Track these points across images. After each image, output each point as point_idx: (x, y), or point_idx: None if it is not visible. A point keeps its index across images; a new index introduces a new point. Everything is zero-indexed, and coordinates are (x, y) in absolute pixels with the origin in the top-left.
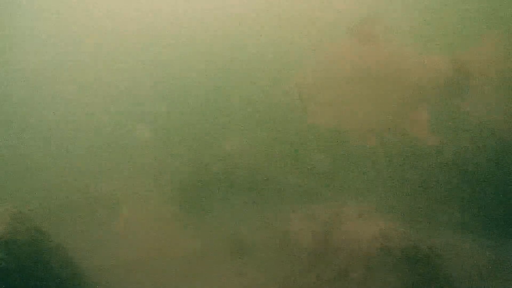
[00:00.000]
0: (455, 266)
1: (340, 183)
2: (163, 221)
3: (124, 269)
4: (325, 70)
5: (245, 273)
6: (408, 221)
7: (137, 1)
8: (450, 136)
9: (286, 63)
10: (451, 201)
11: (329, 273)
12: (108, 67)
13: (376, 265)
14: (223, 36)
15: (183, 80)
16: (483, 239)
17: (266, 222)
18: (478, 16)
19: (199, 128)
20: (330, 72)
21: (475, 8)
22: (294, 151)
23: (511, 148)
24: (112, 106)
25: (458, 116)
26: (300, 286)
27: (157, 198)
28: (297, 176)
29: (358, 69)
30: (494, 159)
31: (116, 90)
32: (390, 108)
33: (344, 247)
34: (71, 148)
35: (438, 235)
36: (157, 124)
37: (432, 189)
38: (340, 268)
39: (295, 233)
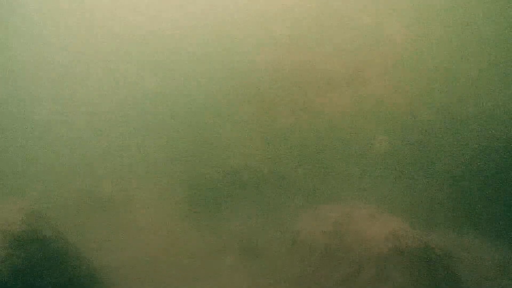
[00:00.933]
0: (466, 267)
1: (351, 183)
2: (174, 220)
3: (136, 268)
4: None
5: (255, 273)
6: (419, 222)
7: (138, 1)
8: (459, 138)
9: (287, 63)
10: (463, 202)
11: (339, 274)
12: (113, 69)
13: (387, 266)
14: (224, 36)
15: (187, 80)
16: (495, 240)
17: (277, 221)
18: None
19: (206, 127)
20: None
21: None
22: (304, 150)
23: None
24: (123, 107)
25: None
26: (310, 286)
27: (168, 198)
28: (308, 175)
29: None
30: (504, 159)
31: (124, 91)
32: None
33: (355, 247)
34: (85, 148)
35: (450, 236)
36: (165, 125)
37: (444, 190)
38: (351, 268)
39: (305, 233)
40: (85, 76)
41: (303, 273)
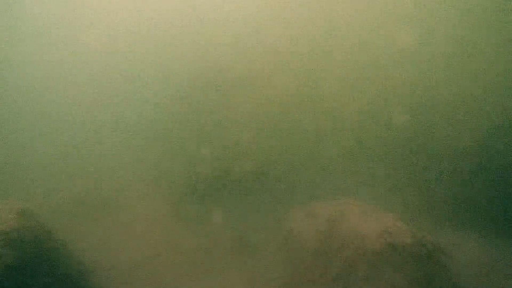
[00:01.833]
0: (459, 263)
1: (344, 181)
2: (167, 219)
3: (128, 267)
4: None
5: (249, 271)
6: (412, 218)
7: (138, 1)
8: (453, 135)
9: (287, 63)
10: (455, 199)
11: (333, 271)
12: (109, 68)
13: (380, 262)
14: (224, 35)
15: (184, 79)
16: (487, 237)
17: (270, 220)
18: None
19: (201, 126)
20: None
21: None
22: (296, 149)
23: None
24: (116, 106)
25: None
26: (304, 284)
27: (161, 196)
28: (300, 173)
29: None
30: (496, 158)
31: (120, 90)
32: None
33: (348, 244)
34: (76, 147)
35: (442, 232)
36: (160, 123)
37: (437, 187)
38: (344, 265)
39: (298, 230)
40: (80, 77)
41: (296, 270)
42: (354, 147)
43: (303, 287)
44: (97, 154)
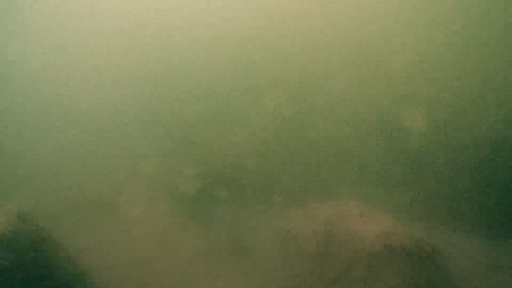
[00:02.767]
0: (457, 265)
1: (342, 183)
2: (165, 221)
3: (126, 269)
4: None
5: (247, 273)
6: (410, 220)
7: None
8: (452, 136)
9: (287, 63)
10: (453, 200)
11: (331, 273)
12: (109, 67)
13: (378, 264)
14: (227, 36)
15: (187, 81)
16: (485, 238)
17: (268, 221)
18: None
19: (201, 129)
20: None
21: None
22: (295, 150)
23: None
24: (115, 106)
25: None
26: (302, 285)
27: (159, 198)
28: (298, 175)
29: None
30: (495, 159)
31: (120, 90)
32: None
33: (346, 246)
34: (74, 149)
35: (440, 234)
36: (160, 125)
37: (434, 189)
38: (342, 267)
39: (296, 232)
40: (77, 78)
41: (294, 272)
42: (352, 148)
43: None
44: (95, 157)
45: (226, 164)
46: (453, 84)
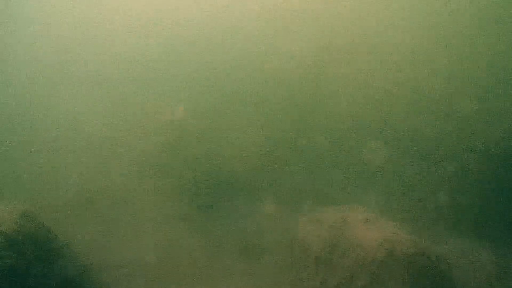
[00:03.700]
0: (462, 273)
1: (347, 188)
2: (171, 221)
3: (130, 268)
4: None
5: (252, 276)
6: (414, 227)
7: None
8: (456, 142)
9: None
10: (458, 208)
11: (334, 279)
12: (110, 65)
13: (382, 271)
14: (225, 35)
15: (188, 80)
16: (491, 246)
17: (273, 226)
18: None
19: (207, 127)
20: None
21: None
22: (301, 155)
23: None
24: (118, 104)
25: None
26: None
27: (165, 198)
28: (304, 180)
29: None
30: (501, 165)
31: (122, 88)
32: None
33: (350, 252)
34: (79, 147)
35: (444, 242)
36: (163, 124)
37: (439, 195)
38: (345, 273)
39: (302, 236)
40: (76, 75)
41: (298, 276)
42: (357, 153)
43: None
44: (99, 155)
45: (233, 166)
46: (459, 88)
